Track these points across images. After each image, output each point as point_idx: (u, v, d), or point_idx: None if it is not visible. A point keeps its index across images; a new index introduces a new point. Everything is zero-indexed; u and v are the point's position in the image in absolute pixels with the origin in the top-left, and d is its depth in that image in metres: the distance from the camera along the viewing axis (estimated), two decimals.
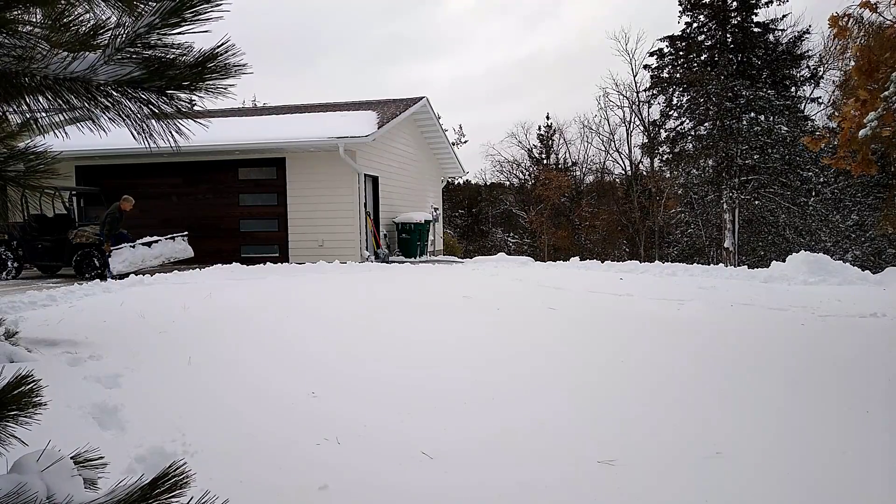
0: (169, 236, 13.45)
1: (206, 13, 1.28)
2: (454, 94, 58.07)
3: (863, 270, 10.84)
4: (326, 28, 60.31)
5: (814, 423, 4.13)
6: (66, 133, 1.72)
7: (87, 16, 1.48)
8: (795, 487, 3.27)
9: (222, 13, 1.30)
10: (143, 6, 1.43)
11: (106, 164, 15.94)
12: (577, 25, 54.46)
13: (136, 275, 11.41)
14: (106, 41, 1.34)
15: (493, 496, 3.21)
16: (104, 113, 1.37)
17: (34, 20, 1.49)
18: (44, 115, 1.51)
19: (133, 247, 12.43)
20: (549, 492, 3.24)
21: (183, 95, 1.37)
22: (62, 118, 1.63)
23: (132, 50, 1.31)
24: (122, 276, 11.53)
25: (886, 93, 6.96)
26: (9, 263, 13.20)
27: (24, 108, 1.43)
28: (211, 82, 1.36)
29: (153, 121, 1.41)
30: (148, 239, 12.91)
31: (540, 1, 55.73)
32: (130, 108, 1.35)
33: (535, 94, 58.95)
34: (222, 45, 1.34)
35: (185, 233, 13.99)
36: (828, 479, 3.36)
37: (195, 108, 1.45)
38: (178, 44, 1.34)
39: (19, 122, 1.71)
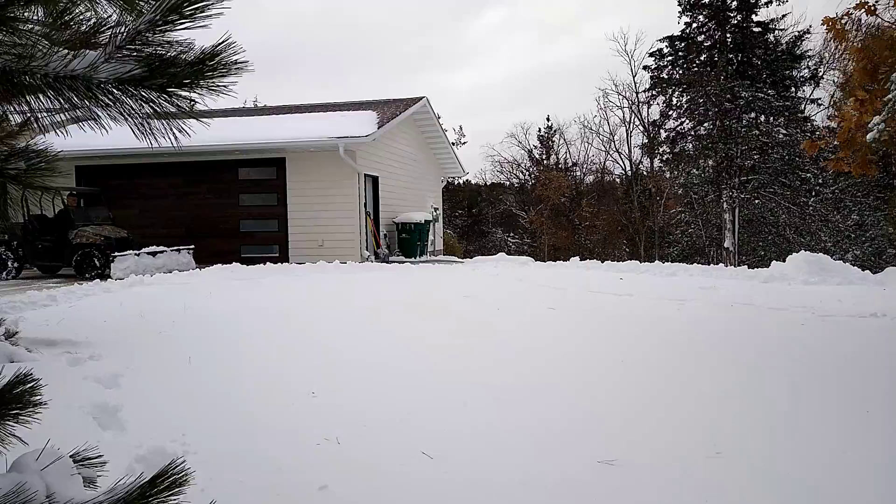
0: (174, 248, 13.46)
1: (206, 10, 1.28)
2: (472, 101, 60.45)
3: (863, 270, 10.82)
4: (361, 41, 62.52)
5: (814, 423, 4.13)
6: (67, 132, 1.71)
7: (89, 14, 1.47)
8: (795, 487, 3.27)
9: (223, 10, 1.30)
10: (143, 4, 1.43)
11: (106, 164, 15.94)
12: (593, 39, 56.63)
13: (137, 274, 11.41)
14: (107, 39, 1.34)
15: (494, 496, 3.21)
16: (105, 111, 1.37)
17: (35, 18, 1.49)
18: (45, 114, 1.51)
19: (137, 255, 12.43)
20: (550, 492, 3.24)
21: (183, 93, 1.37)
22: (63, 117, 1.62)
23: (133, 48, 1.31)
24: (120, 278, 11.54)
25: (890, 95, 6.94)
26: (9, 263, 13.20)
27: (25, 106, 1.42)
28: (212, 80, 1.36)
29: (154, 119, 1.41)
30: (154, 249, 12.91)
31: (561, 18, 57.98)
32: (131, 107, 1.35)
33: (547, 101, 61.71)
34: (223, 42, 1.34)
35: (192, 247, 14.02)
36: (828, 479, 3.36)
37: (196, 106, 1.45)
38: (179, 41, 1.34)
39: (20, 120, 1.71)
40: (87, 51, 1.30)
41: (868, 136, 7.33)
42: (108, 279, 11.33)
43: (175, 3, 1.25)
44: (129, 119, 1.39)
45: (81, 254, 12.78)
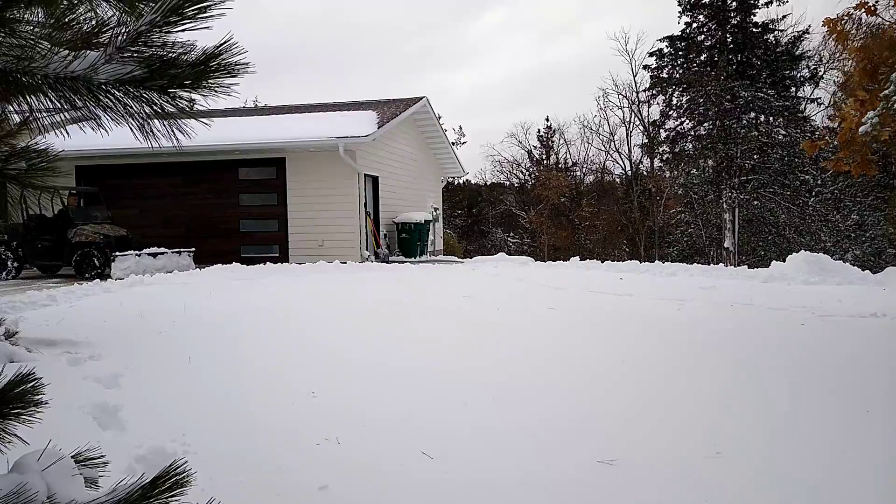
0: (175, 250, 13.49)
1: (208, 11, 1.28)
2: (472, 101, 60.89)
3: (863, 270, 10.82)
4: (361, 41, 63.07)
5: (814, 422, 4.13)
6: (66, 132, 1.71)
7: (90, 14, 1.47)
8: (795, 487, 3.27)
9: (224, 10, 1.29)
10: (143, 6, 1.43)
11: (106, 164, 15.94)
12: (593, 39, 57.23)
13: (137, 274, 11.42)
14: (107, 40, 1.34)
15: (494, 496, 3.21)
16: (106, 112, 1.37)
17: (35, 19, 1.49)
18: (45, 114, 1.51)
19: (138, 255, 12.45)
20: (550, 492, 3.24)
21: (185, 94, 1.37)
22: (63, 118, 1.62)
23: (134, 49, 1.30)
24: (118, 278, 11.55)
25: (886, 91, 6.95)
26: (9, 263, 13.20)
27: (25, 107, 1.42)
28: (213, 81, 1.36)
29: (155, 120, 1.41)
30: (154, 250, 12.94)
31: (561, 18, 58.60)
32: (132, 108, 1.35)
33: (547, 101, 62.14)
34: (224, 43, 1.33)
35: (192, 249, 14.03)
36: (828, 479, 3.36)
37: (197, 107, 1.45)
38: (181, 42, 1.34)
39: (19, 121, 1.71)
40: (88, 52, 1.30)
41: (860, 130, 7.33)
42: (108, 279, 11.33)
43: (176, 4, 1.25)
44: (131, 120, 1.39)
45: (81, 253, 12.78)
